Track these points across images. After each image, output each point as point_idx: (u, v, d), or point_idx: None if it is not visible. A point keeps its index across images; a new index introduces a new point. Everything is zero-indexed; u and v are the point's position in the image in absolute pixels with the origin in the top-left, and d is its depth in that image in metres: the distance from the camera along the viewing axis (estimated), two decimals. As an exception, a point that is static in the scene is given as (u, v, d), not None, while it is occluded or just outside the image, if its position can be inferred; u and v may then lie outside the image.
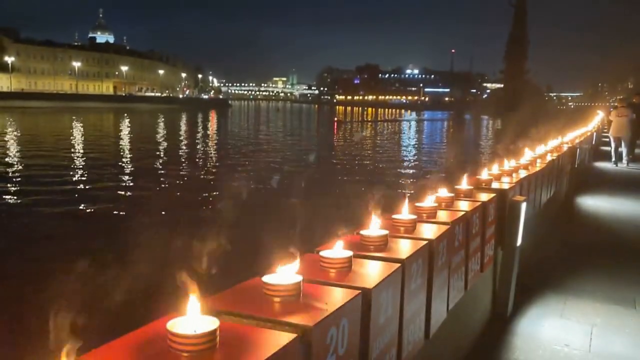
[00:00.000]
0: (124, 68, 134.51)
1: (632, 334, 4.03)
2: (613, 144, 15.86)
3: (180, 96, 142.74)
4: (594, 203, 9.77)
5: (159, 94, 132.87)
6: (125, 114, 71.87)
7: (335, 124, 66.43)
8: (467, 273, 3.14)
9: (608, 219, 8.51)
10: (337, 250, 2.01)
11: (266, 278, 1.62)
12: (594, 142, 17.52)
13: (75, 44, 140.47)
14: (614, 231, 7.71)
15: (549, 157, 7.04)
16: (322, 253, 1.97)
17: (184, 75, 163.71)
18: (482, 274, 3.55)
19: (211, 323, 1.26)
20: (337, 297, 1.66)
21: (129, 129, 50.91)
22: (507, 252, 4.11)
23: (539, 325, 4.12)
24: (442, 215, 2.98)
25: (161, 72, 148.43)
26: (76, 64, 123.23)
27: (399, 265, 2.05)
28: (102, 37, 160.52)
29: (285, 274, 1.65)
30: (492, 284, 4.14)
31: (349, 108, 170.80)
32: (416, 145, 42.37)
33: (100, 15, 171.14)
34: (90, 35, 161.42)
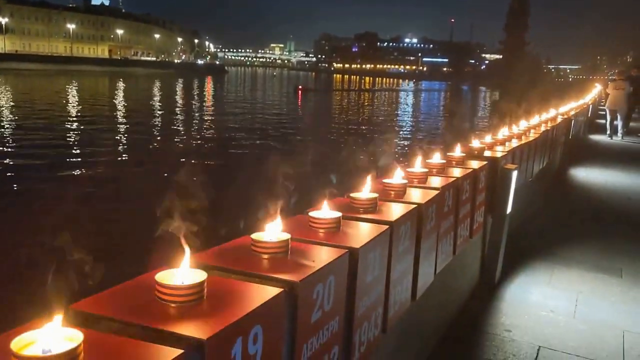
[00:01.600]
0: (120, 31, 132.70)
1: (617, 301, 4.11)
2: (609, 117, 15.86)
3: (176, 61, 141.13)
4: (586, 174, 9.83)
5: (155, 59, 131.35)
6: (121, 79, 71.13)
7: (300, 92, 60.29)
8: (456, 238, 3.18)
9: (600, 190, 8.58)
10: (326, 211, 2.04)
11: (255, 235, 1.65)
12: (590, 115, 17.51)
13: (70, 5, 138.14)
14: (605, 202, 7.78)
15: (543, 128, 7.06)
16: (311, 214, 2.00)
17: (180, 40, 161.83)
18: (472, 240, 3.60)
19: (199, 276, 1.29)
20: (324, 255, 1.69)
21: (123, 93, 50.43)
22: (496, 219, 4.16)
23: (526, 292, 4.19)
24: (433, 181, 3.01)
25: (157, 36, 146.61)
26: (71, 26, 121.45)
27: (387, 227, 2.08)
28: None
29: (273, 232, 1.68)
30: (481, 251, 4.19)
31: (346, 76, 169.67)
32: (402, 121, 37.65)
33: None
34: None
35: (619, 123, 15.65)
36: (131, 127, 23.75)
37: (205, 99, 49.16)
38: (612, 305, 4.03)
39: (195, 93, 56.39)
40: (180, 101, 42.71)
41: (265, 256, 1.60)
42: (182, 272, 1.32)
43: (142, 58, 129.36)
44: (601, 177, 9.67)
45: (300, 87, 66.37)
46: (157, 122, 27.00)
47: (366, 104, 53.03)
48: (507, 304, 3.93)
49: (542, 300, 4.04)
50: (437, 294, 3.09)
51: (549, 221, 6.45)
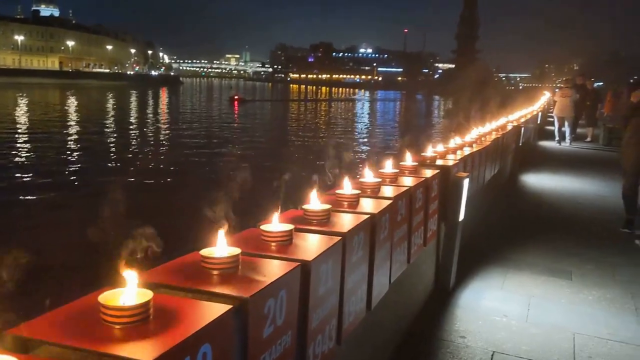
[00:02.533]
0: (70, 43, 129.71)
1: (567, 304, 4.22)
2: (557, 124, 16.38)
3: (130, 73, 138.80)
4: (537, 180, 10.11)
5: (108, 70, 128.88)
6: (72, 90, 69.46)
7: (236, 102, 56.28)
8: (410, 247, 3.21)
9: (550, 195, 8.83)
10: (278, 224, 2.03)
11: (204, 251, 1.63)
12: (539, 122, 18.03)
13: (18, 17, 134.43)
14: (555, 206, 8.00)
15: (494, 136, 7.22)
16: (262, 227, 1.98)
17: (133, 51, 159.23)
18: (426, 248, 3.64)
19: (144, 295, 1.26)
20: (276, 269, 1.68)
21: (73, 106, 49.07)
22: (450, 226, 4.23)
23: (480, 297, 4.27)
24: (387, 191, 3.03)
25: (109, 47, 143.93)
26: (19, 38, 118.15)
27: (339, 238, 2.09)
28: (46, 10, 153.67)
29: (223, 247, 1.66)
30: (435, 258, 4.25)
31: (302, 87, 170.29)
32: (356, 131, 35.24)
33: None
34: (34, 8, 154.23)
35: (566, 129, 16.18)
36: (79, 142, 22.89)
37: (158, 110, 47.91)
38: (562, 308, 4.14)
39: (146, 105, 55.23)
40: (122, 115, 40.20)
41: (215, 272, 1.58)
42: (127, 292, 1.29)
43: (95, 70, 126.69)
44: (551, 182, 9.96)
45: (236, 96, 61.28)
46: (96, 138, 25.06)
47: (321, 114, 52.68)
48: (462, 310, 3.98)
49: (496, 305, 4.11)
50: (393, 303, 3.11)
51: (501, 226, 6.59)
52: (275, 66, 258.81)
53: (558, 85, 25.87)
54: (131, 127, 30.84)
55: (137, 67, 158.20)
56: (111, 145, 22.82)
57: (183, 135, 27.00)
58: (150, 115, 42.01)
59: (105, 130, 28.36)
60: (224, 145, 23.42)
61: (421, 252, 3.55)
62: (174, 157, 19.22)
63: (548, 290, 4.49)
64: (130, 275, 1.32)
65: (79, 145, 21.91)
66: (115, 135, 26.29)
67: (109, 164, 18.02)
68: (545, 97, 23.88)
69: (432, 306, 4.01)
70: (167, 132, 29.03)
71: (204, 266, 1.60)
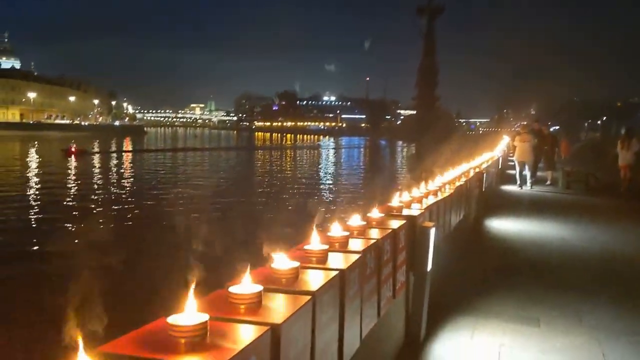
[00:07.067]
0: (32, 95, 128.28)
1: (537, 351, 4.23)
2: (518, 168, 16.79)
3: (94, 123, 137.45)
4: (500, 225, 10.26)
5: (70, 121, 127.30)
6: (36, 142, 68.19)
7: (74, 155, 45.67)
8: (380, 300, 3.19)
9: (514, 241, 8.95)
10: (246, 285, 2.00)
11: (171, 319, 1.58)
12: (500, 167, 18.45)
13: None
14: (519, 252, 8.11)
15: (457, 182, 7.34)
16: (230, 289, 1.95)
17: (96, 101, 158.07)
18: (396, 300, 3.63)
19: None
20: (245, 334, 1.64)
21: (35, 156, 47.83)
22: (418, 277, 4.23)
23: (450, 347, 4.25)
24: (354, 244, 3.03)
25: (72, 98, 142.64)
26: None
27: (309, 297, 2.06)
28: (7, 63, 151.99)
29: (191, 313, 1.62)
30: (405, 310, 4.23)
31: (267, 134, 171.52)
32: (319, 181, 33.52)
33: (6, 40, 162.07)
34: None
35: (527, 173, 16.58)
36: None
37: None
38: (532, 355, 4.14)
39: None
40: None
41: (183, 340, 1.54)
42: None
43: (57, 121, 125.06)
44: (514, 227, 10.12)
45: (73, 148, 47.78)
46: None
47: (285, 161, 52.38)
48: (433, 362, 3.95)
49: (466, 355, 4.09)
50: (363, 358, 3.06)
51: (468, 275, 6.62)
52: (240, 115, 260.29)
53: (516, 129, 26.63)
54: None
55: (101, 118, 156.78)
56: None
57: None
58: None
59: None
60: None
61: (391, 305, 3.53)
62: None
63: (517, 338, 4.50)
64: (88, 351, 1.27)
65: None
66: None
67: None
68: (504, 140, 24.51)
69: (403, 358, 3.96)
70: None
71: (171, 334, 1.55)
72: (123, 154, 55.72)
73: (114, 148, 63.82)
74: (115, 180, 30.48)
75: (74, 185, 27.43)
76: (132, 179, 31.61)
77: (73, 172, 35.82)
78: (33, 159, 46.24)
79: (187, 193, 23.76)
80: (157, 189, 26.04)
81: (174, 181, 30.14)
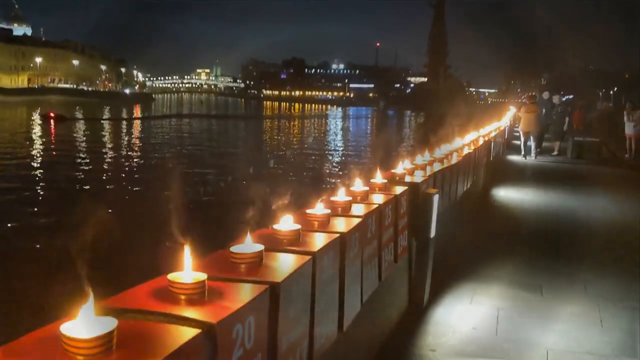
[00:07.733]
0: (38, 59, 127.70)
1: (537, 317, 4.27)
2: (522, 138, 16.70)
3: (101, 89, 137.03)
4: (505, 194, 10.24)
5: (74, 86, 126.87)
6: (39, 108, 67.95)
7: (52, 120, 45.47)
8: (381, 264, 3.22)
9: (518, 209, 8.96)
10: (248, 245, 2.02)
11: (171, 276, 1.61)
12: (506, 136, 18.34)
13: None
14: (523, 220, 8.12)
15: (465, 151, 7.30)
16: (232, 248, 1.97)
17: (104, 68, 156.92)
18: (398, 265, 3.65)
19: (107, 325, 1.23)
20: (244, 293, 1.67)
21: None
22: (421, 243, 4.25)
23: (450, 312, 4.29)
24: (357, 209, 3.04)
25: (76, 62, 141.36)
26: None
27: (309, 257, 2.08)
28: (19, 30, 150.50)
29: (190, 271, 1.64)
30: (408, 275, 4.26)
31: (276, 103, 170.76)
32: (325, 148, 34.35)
33: (17, 6, 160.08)
34: (6, 27, 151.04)
35: (532, 144, 16.50)
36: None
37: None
38: (533, 322, 4.18)
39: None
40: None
41: (183, 297, 1.56)
42: (91, 321, 1.26)
43: (60, 85, 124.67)
44: (518, 196, 10.11)
45: (51, 113, 48.10)
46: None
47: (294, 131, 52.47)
48: (434, 326, 4.00)
49: (466, 319, 4.14)
50: (365, 321, 3.10)
51: (472, 241, 6.64)
52: (248, 82, 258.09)
53: (523, 101, 26.34)
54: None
55: (110, 84, 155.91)
56: None
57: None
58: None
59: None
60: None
61: (394, 270, 3.56)
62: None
63: (517, 305, 4.53)
64: (93, 303, 1.29)
65: None
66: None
67: None
68: (510, 112, 24.30)
69: (406, 324, 4.01)
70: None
71: (171, 290, 1.58)
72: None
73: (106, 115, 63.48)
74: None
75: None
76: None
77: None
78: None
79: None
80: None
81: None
